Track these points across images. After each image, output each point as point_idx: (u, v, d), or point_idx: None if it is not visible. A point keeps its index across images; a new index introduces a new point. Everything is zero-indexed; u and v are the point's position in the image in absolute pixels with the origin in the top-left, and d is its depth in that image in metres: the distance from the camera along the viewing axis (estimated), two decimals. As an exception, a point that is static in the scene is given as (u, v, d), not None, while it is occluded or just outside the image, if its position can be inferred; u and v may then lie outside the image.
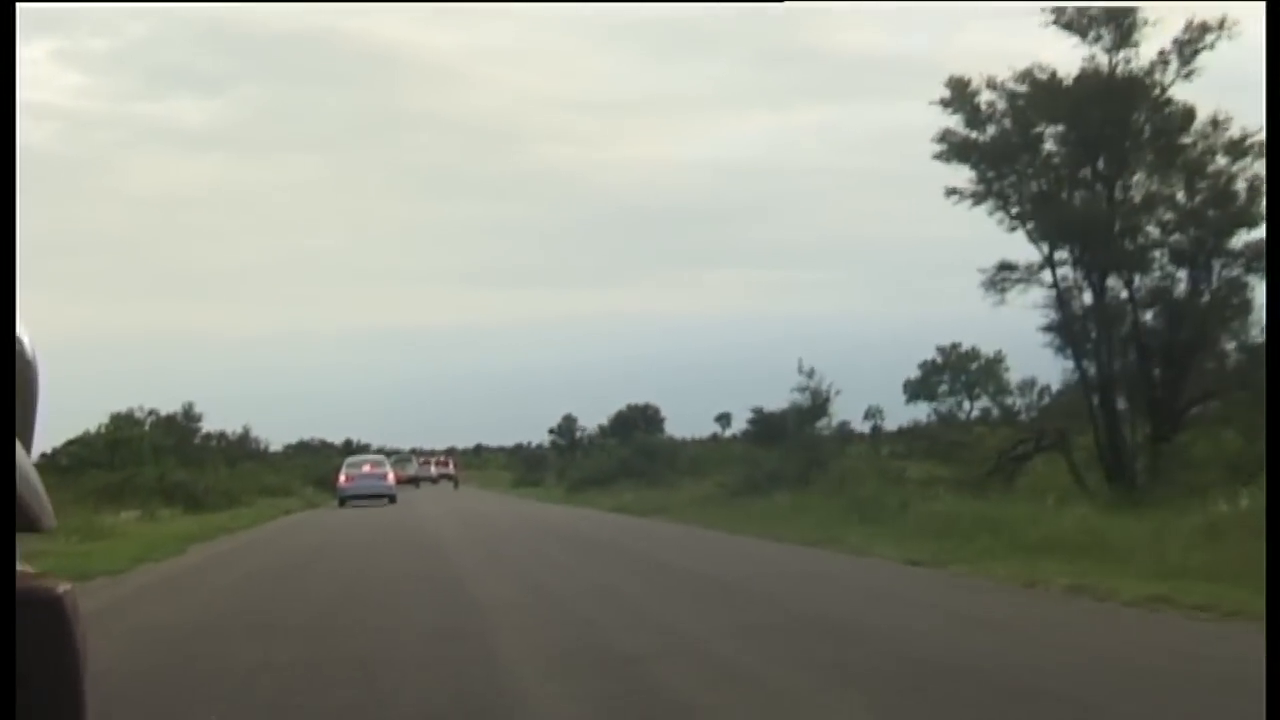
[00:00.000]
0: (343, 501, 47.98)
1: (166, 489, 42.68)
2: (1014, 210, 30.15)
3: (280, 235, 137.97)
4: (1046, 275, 29.97)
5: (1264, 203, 27.77)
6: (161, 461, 52.03)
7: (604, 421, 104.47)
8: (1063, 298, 29.87)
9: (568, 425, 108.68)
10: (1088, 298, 29.92)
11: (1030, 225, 29.87)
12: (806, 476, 34.60)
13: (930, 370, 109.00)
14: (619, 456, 53.13)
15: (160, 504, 40.18)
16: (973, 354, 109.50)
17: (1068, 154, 29.85)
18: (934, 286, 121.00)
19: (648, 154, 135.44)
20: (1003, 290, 29.82)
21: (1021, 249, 29.99)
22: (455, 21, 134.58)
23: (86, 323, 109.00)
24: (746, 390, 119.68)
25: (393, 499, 47.74)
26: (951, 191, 29.85)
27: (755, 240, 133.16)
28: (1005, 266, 29.83)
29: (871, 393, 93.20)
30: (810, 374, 37.40)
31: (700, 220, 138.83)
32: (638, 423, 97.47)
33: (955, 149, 30.24)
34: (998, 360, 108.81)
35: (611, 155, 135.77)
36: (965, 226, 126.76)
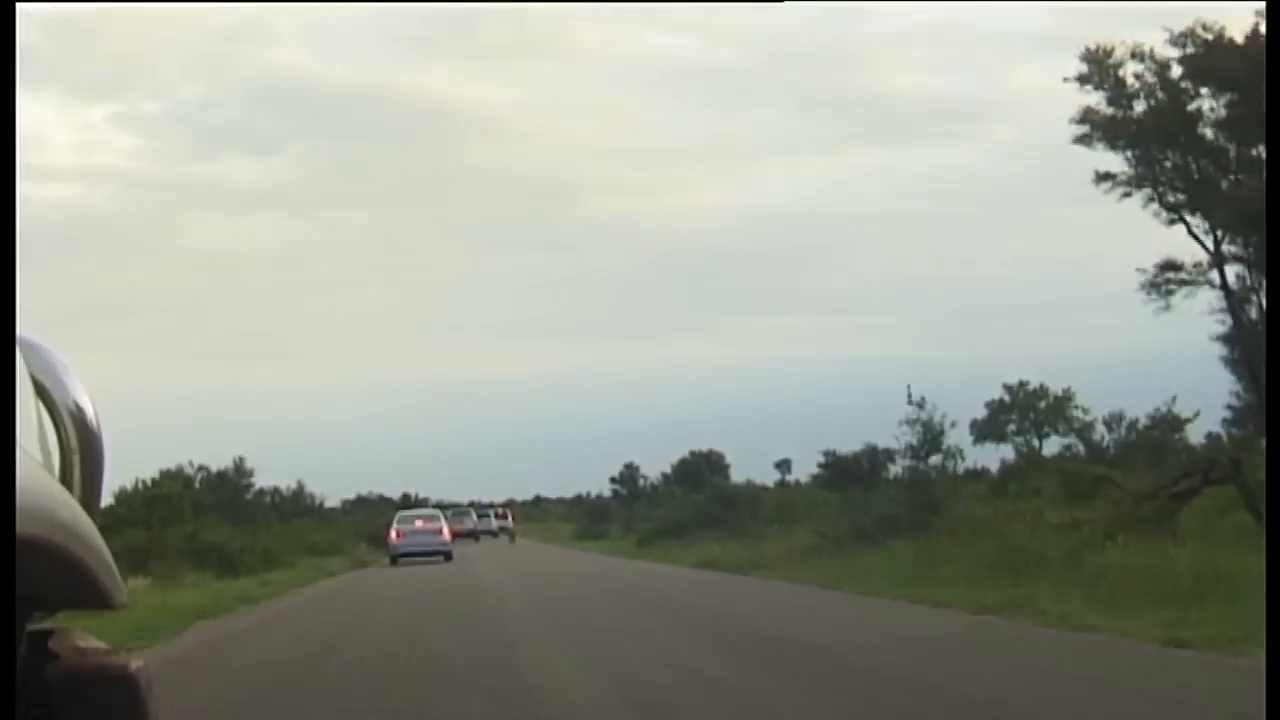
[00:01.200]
0: (394, 560, 42.90)
1: (198, 550, 37.58)
2: (1172, 199, 24.81)
3: (334, 291, 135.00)
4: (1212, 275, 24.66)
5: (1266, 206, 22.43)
6: (201, 519, 47.26)
7: (667, 469, 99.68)
8: (1235, 300, 24.45)
9: (630, 474, 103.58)
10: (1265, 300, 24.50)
11: (1195, 216, 24.52)
12: (922, 522, 29.14)
13: (998, 409, 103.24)
14: (693, 505, 47.62)
15: (190, 567, 35.09)
16: (1041, 391, 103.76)
17: (1235, 130, 24.48)
18: (992, 327, 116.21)
19: (700, 202, 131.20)
20: (1167, 294, 24.41)
21: (1167, 247, 24.70)
22: (504, 77, 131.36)
23: (142, 382, 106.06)
24: (803, 435, 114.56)
25: (448, 556, 42.56)
26: (1103, 178, 24.51)
27: (810, 286, 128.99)
28: (1169, 266, 24.43)
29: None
30: (921, 404, 31.94)
31: (754, 267, 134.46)
32: (702, 469, 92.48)
33: (1101, 129, 24.93)
34: (1066, 398, 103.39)
35: (664, 204, 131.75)
36: (1024, 266, 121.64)
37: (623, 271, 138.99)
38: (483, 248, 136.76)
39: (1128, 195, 25.16)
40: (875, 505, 30.80)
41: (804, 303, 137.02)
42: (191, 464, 65.40)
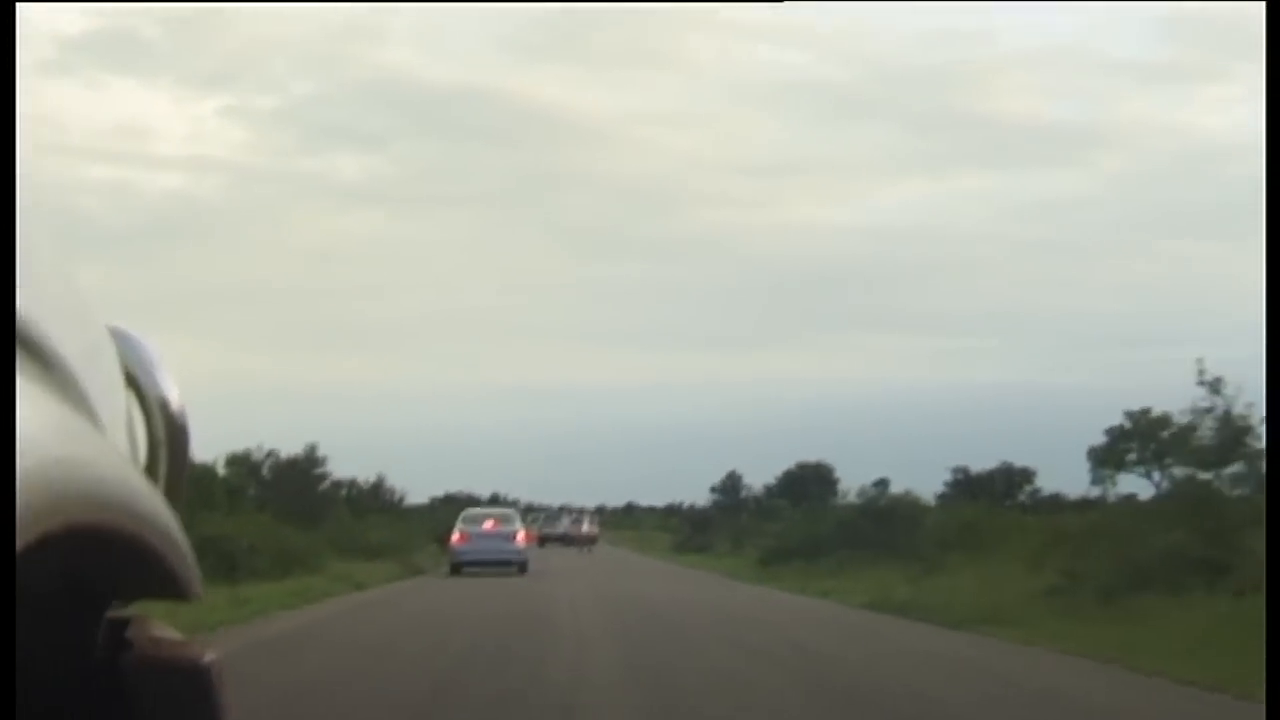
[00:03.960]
0: (455, 568, 32.45)
1: (195, 547, 27.38)
2: None
3: (437, 290, 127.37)
4: None
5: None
6: (237, 508, 37.44)
7: (771, 480, 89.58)
8: None
9: (732, 483, 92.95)
10: None
11: None
12: (1219, 563, 18.12)
13: (1119, 437, 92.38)
14: (835, 519, 36.48)
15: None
16: (1163, 420, 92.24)
17: None
18: (1097, 355, 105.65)
19: (805, 217, 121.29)
20: None
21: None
22: (614, 84, 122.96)
23: (239, 370, 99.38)
24: (904, 455, 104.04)
25: (523, 568, 32.05)
26: None
27: (915, 306, 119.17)
28: None
29: (1040, 461, 75.88)
30: (1216, 387, 20.96)
31: (859, 284, 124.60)
32: (810, 482, 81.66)
33: None
34: (1190, 428, 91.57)
35: (769, 218, 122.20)
36: (1131, 295, 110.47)
37: (725, 284, 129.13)
38: (584, 254, 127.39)
39: None
40: (1153, 536, 19.70)
41: (906, 322, 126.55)
42: (260, 448, 56.73)
